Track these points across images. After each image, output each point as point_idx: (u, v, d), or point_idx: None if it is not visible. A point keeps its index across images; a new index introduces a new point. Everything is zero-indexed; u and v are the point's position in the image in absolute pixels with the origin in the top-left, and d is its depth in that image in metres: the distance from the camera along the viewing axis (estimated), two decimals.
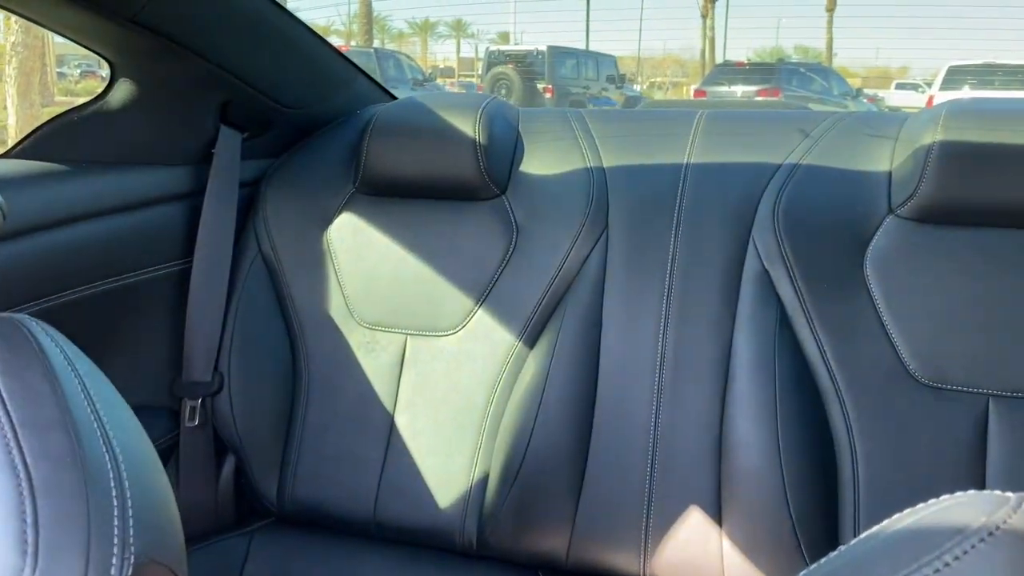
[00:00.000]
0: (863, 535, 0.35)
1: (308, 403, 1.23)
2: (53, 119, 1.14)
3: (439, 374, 1.19)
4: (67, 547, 0.41)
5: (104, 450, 0.45)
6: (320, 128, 1.38)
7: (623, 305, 1.13)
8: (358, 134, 1.27)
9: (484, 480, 1.14)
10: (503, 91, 13.34)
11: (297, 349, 1.25)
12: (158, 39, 1.05)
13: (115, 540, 0.42)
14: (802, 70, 13.62)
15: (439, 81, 20.38)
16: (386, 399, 1.20)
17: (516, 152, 1.25)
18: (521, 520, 1.12)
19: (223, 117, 1.26)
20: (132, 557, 0.42)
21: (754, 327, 1.07)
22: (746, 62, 15.22)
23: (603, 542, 1.10)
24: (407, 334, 1.22)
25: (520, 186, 1.22)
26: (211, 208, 1.24)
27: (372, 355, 1.22)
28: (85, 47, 1.10)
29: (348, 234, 1.26)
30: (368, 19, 24.28)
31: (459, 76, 30.34)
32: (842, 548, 0.35)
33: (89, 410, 0.47)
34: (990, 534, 0.31)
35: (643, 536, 1.08)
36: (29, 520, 0.41)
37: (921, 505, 0.35)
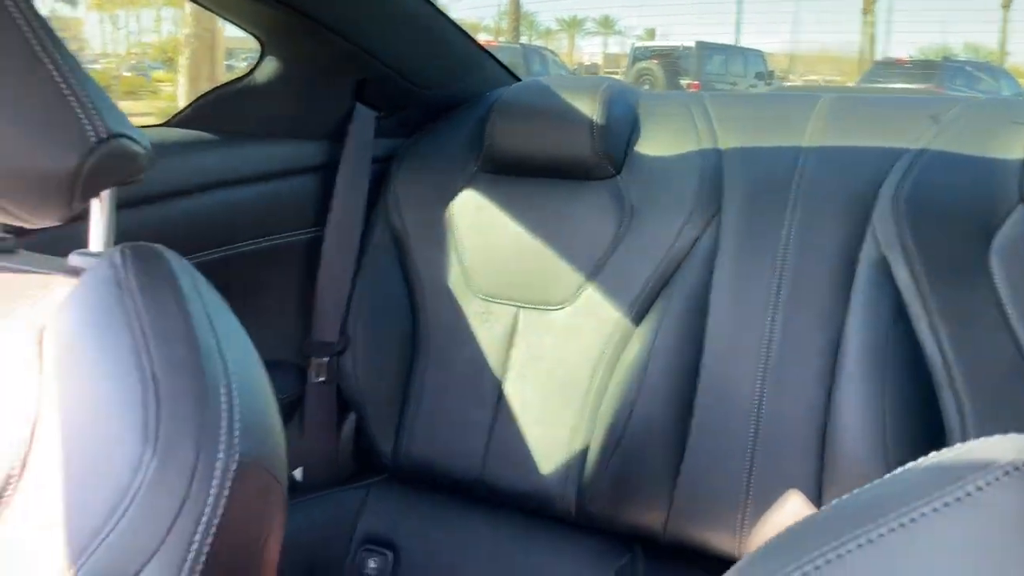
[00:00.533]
0: (895, 472, 0.36)
1: (426, 367, 1.30)
2: (207, 92, 1.25)
3: (548, 346, 1.23)
4: (182, 441, 0.48)
5: (220, 364, 0.52)
6: (450, 109, 1.44)
7: (732, 287, 1.13)
8: (483, 114, 1.32)
9: (585, 450, 1.17)
10: (646, 87, 13.21)
11: (418, 316, 1.32)
12: (303, 19, 1.13)
13: (222, 439, 0.48)
14: (968, 68, 12.76)
15: None
16: (497, 368, 1.25)
17: (633, 133, 1.27)
18: (619, 492, 1.14)
19: (359, 96, 1.33)
20: (237, 455, 0.48)
21: (868, 314, 1.05)
22: (907, 59, 14.43)
23: (701, 520, 1.11)
24: (520, 306, 1.26)
25: (635, 167, 1.24)
26: (344, 181, 1.32)
27: (486, 325, 1.27)
28: (239, 26, 1.20)
29: (470, 210, 1.31)
30: (516, 16, 24.58)
31: (603, 72, 30.26)
32: (875, 482, 0.36)
33: (209, 329, 0.53)
34: (1016, 469, 0.32)
35: (741, 517, 1.08)
36: (152, 414, 0.48)
37: (958, 444, 0.35)
